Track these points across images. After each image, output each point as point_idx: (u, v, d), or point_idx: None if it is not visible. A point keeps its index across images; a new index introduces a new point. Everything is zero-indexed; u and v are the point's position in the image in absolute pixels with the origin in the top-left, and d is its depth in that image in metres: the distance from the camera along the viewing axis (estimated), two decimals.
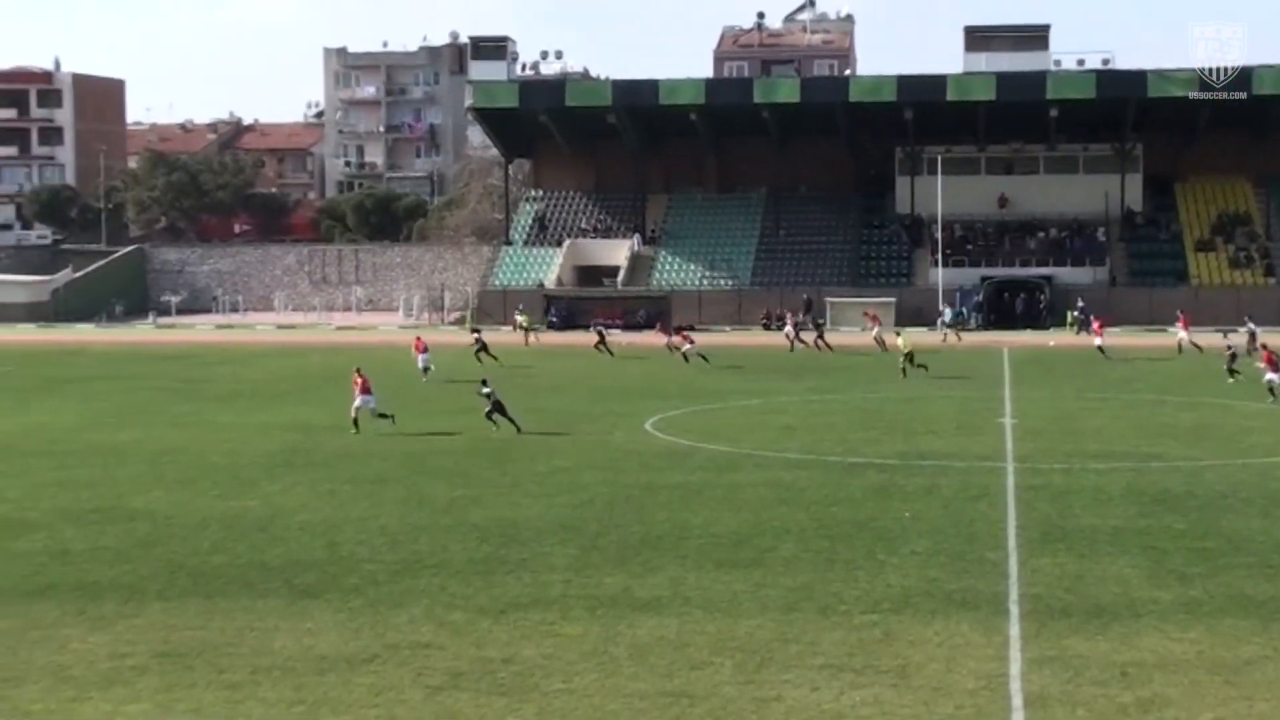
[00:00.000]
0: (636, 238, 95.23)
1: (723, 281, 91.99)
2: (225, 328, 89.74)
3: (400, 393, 50.00)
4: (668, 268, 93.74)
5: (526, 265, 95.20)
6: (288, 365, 61.87)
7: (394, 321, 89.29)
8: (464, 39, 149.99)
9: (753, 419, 45.54)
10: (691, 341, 64.73)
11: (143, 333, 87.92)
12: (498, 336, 74.06)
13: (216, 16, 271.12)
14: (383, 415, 42.26)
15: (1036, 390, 53.06)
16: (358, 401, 42.45)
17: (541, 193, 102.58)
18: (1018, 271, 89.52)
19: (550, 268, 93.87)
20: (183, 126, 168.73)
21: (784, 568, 25.09)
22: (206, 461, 37.20)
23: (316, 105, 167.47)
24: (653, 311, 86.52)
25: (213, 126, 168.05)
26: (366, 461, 36.84)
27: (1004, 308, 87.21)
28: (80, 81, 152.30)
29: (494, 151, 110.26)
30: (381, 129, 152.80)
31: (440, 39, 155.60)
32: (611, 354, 66.74)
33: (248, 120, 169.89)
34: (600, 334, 70.27)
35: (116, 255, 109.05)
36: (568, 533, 27.97)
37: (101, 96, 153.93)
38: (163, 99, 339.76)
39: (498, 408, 41.71)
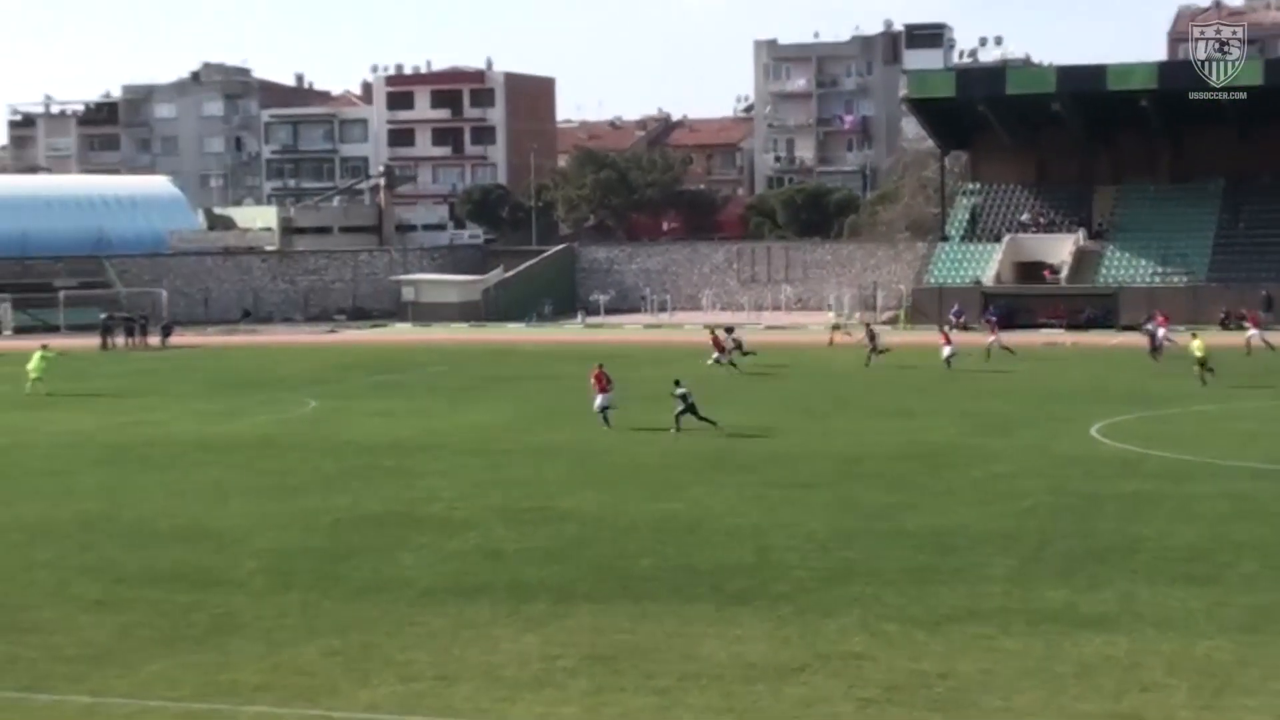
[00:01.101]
0: (1081, 232, 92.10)
1: (1176, 277, 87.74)
2: (653, 327, 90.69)
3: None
4: (1116, 263, 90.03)
5: (963, 262, 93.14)
6: (716, 366, 61.86)
7: (824, 321, 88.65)
8: (898, 27, 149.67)
9: (1210, 425, 43.17)
10: (950, 342, 59.83)
11: (571, 332, 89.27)
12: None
13: (646, 12, 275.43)
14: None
15: None
16: (598, 401, 43.17)
17: (979, 185, 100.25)
18: None
19: (988, 264, 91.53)
20: (612, 124, 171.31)
21: (1245, 585, 23.65)
22: (634, 462, 37.40)
23: (746, 99, 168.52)
24: (1099, 311, 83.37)
25: (641, 123, 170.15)
26: (794, 465, 36.39)
27: None
28: (512, 80, 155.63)
29: (929, 143, 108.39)
30: (812, 122, 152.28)
31: (873, 28, 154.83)
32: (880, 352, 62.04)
33: (676, 116, 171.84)
34: (873, 339, 63.41)
35: (546, 254, 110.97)
36: (1007, 542, 26.97)
37: (532, 95, 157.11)
38: (592, 96, 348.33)
39: (690, 409, 41.67)
